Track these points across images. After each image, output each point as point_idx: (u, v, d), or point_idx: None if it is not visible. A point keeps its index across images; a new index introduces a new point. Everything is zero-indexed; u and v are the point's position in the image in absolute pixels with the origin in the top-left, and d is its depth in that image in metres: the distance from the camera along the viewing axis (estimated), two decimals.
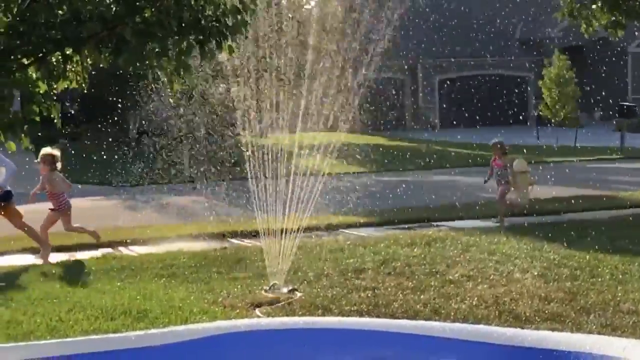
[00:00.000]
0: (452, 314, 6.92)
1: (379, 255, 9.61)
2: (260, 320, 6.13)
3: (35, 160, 10.90)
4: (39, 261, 10.36)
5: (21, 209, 11.04)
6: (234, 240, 11.37)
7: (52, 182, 10.76)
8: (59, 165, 10.84)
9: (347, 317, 6.44)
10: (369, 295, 7.68)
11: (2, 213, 10.80)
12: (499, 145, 13.03)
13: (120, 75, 24.15)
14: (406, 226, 12.64)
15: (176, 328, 5.54)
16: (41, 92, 6.42)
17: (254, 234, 10.01)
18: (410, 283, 8.10)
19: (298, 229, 8.50)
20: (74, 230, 11.18)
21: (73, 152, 24.88)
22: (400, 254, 9.63)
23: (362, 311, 7.09)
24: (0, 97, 5.46)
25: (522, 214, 13.35)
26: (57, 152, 10.80)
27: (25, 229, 10.83)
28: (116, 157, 23.50)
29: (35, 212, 11.15)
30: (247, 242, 10.99)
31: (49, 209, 11.00)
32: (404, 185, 17.47)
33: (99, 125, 28.01)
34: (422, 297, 7.53)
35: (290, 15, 9.20)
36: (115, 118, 29.54)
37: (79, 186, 20.10)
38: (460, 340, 5.04)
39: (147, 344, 4.75)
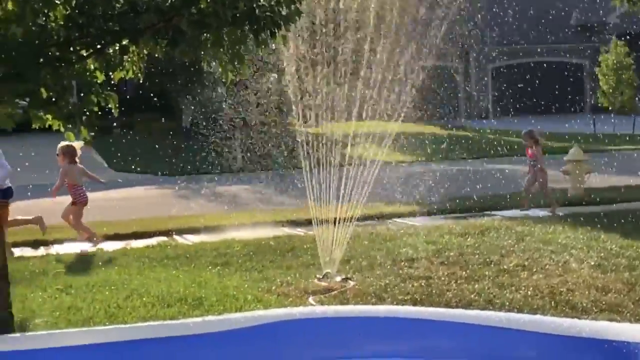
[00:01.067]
0: (507, 303, 6.86)
1: (432, 244, 9.57)
2: (315, 308, 6.16)
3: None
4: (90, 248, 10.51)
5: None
6: (287, 229, 11.43)
7: (70, 175, 10.86)
8: (78, 158, 10.96)
9: (402, 306, 6.43)
10: (423, 284, 7.66)
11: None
12: (529, 135, 12.82)
13: (173, 65, 24.40)
14: (459, 215, 12.56)
15: (232, 315, 5.62)
16: (99, 82, 6.50)
17: (307, 223, 10.06)
18: (464, 272, 8.06)
19: (351, 217, 8.51)
20: (74, 226, 11.07)
21: (126, 141, 25.27)
22: (453, 243, 9.58)
23: (415, 300, 7.08)
24: (61, 88, 5.56)
25: (578, 203, 13.18)
26: (76, 145, 10.83)
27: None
28: (169, 146, 23.83)
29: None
30: (300, 231, 11.04)
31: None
32: (456, 174, 17.37)
33: (152, 115, 28.37)
34: (476, 286, 7.49)
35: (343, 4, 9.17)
36: (168, 108, 29.91)
37: (125, 176, 20.47)
38: (516, 330, 4.99)
39: (204, 331, 4.82)
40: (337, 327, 5.12)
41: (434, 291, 7.37)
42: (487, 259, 8.61)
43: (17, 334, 5.80)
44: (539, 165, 12.67)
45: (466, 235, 10.10)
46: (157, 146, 23.66)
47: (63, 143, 10.83)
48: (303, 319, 5.09)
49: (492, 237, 9.97)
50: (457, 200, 13.85)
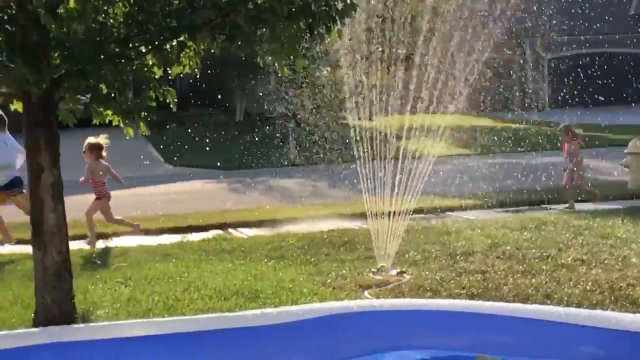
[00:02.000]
0: (565, 298, 6.77)
1: (488, 238, 9.49)
2: (372, 301, 6.17)
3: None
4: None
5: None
6: (342, 223, 11.44)
7: (95, 172, 10.92)
8: (104, 153, 10.98)
9: (459, 300, 6.40)
10: (479, 278, 7.60)
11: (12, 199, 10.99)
12: (565, 130, 12.58)
13: (227, 59, 24.56)
14: (515, 209, 12.43)
15: (290, 308, 5.66)
16: (156, 77, 6.60)
17: (361, 216, 10.06)
18: (520, 267, 7.98)
19: (405, 211, 8.50)
20: (115, 222, 11.19)
21: (181, 136, 25.56)
22: (509, 237, 9.49)
23: (471, 294, 7.04)
24: (121, 84, 5.66)
25: (639, 196, 12.93)
26: (103, 141, 10.94)
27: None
28: (223, 140, 24.02)
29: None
30: (354, 225, 11.05)
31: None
32: (511, 167, 17.17)
33: (207, 109, 28.62)
34: (533, 281, 7.41)
35: None
36: (222, 102, 30.13)
37: (184, 169, 20.71)
38: (575, 325, 4.93)
39: (262, 323, 4.88)
40: (394, 320, 5.13)
41: (490, 285, 7.32)
42: (544, 253, 8.51)
43: (81, 325, 5.94)
44: (575, 160, 12.47)
45: (522, 229, 10.00)
46: (211, 140, 23.85)
47: (89, 140, 10.96)
48: (360, 312, 5.12)
49: (549, 231, 9.84)
50: (513, 194, 13.69)
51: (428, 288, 7.32)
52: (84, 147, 10.97)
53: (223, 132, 25.46)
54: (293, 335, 4.89)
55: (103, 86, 5.99)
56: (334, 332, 4.90)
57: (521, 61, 41.41)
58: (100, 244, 10.67)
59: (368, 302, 6.35)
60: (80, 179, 10.94)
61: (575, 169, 12.50)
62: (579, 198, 12.66)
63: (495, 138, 22.69)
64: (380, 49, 8.73)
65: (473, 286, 7.30)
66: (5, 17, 5.01)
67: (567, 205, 12.36)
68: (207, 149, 21.99)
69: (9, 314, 6.80)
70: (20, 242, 10.67)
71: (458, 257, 8.58)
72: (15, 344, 4.56)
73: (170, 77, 6.94)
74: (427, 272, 7.94)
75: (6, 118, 10.68)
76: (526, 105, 39.70)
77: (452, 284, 7.43)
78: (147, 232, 11.33)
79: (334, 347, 4.90)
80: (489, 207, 12.70)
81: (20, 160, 10.84)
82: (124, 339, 4.73)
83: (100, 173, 10.95)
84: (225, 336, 4.78)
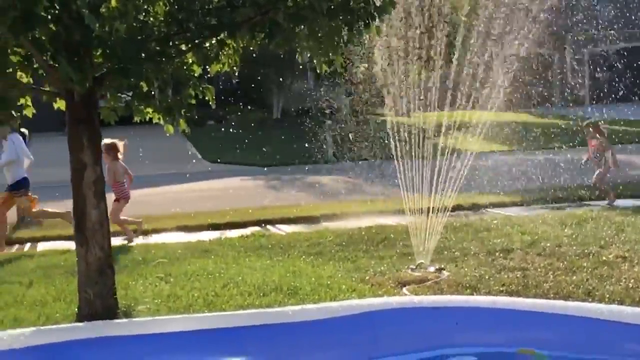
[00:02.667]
0: (607, 296, 6.70)
1: (528, 235, 9.42)
2: (413, 298, 6.16)
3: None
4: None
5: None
6: (379, 219, 11.43)
7: (115, 172, 11.02)
8: (121, 155, 11.11)
9: (500, 297, 6.35)
10: (518, 275, 7.55)
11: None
12: (592, 126, 12.39)
13: (265, 56, 24.64)
14: (555, 205, 12.30)
15: (330, 304, 5.68)
16: (196, 75, 6.66)
17: (400, 213, 10.04)
18: (561, 264, 7.91)
19: (444, 208, 8.47)
20: (119, 223, 11.10)
21: (219, 133, 25.72)
22: (549, 234, 9.40)
23: (511, 291, 6.99)
24: (162, 82, 5.73)
25: None
26: (120, 142, 11.09)
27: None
28: (261, 137, 24.10)
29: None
30: (392, 221, 11.03)
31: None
32: (550, 163, 16.99)
33: (244, 107, 28.74)
34: (574, 278, 7.34)
35: None
36: (260, 99, 30.24)
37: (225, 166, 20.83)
38: (617, 322, 4.88)
39: (302, 319, 4.90)
40: (434, 317, 5.12)
41: (530, 282, 7.26)
42: (585, 250, 8.42)
43: (125, 320, 6.02)
44: (606, 155, 12.31)
45: (563, 226, 9.90)
46: (249, 137, 23.96)
47: (106, 140, 10.90)
48: (400, 309, 5.11)
49: (590, 227, 9.74)
50: (552, 190, 13.56)
51: (467, 285, 7.28)
52: (102, 148, 11.03)
53: (261, 129, 25.56)
54: (333, 332, 4.90)
55: (144, 84, 6.07)
56: (373, 328, 4.91)
57: (561, 56, 40.92)
58: (139, 240, 10.80)
59: (408, 298, 6.35)
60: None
61: (601, 165, 12.37)
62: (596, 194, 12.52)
63: (535, 134, 22.47)
64: (418, 44, 8.69)
65: (513, 283, 7.25)
66: (50, 17, 5.09)
67: (607, 201, 12.21)
68: (245, 145, 22.10)
69: (53, 309, 6.91)
70: (61, 238, 10.86)
71: (497, 254, 8.52)
72: (61, 338, 4.64)
73: (209, 75, 7.00)
74: (465, 269, 7.90)
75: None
76: (566, 100, 39.21)
77: (492, 281, 7.38)
78: (186, 228, 11.44)
79: (373, 343, 4.91)
80: (528, 204, 12.59)
81: (26, 163, 11.00)
82: (166, 334, 4.79)
83: (120, 173, 11.12)
84: (266, 332, 4.81)
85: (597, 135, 12.40)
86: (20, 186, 11.00)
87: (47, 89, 6.37)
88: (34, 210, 11.27)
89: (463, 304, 5.28)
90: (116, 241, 10.21)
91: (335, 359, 4.92)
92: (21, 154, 11.10)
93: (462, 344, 5.08)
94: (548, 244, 8.82)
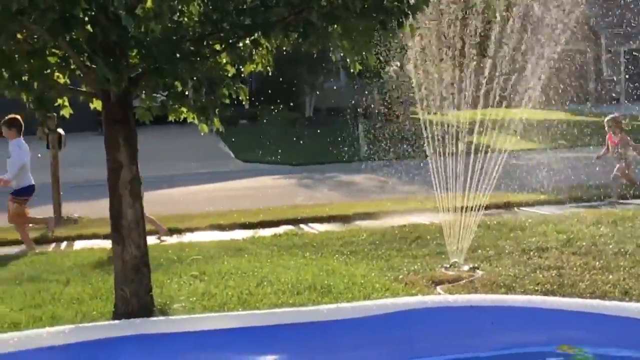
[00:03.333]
0: None
1: (563, 233, 9.32)
2: (447, 297, 6.14)
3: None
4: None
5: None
6: (412, 218, 11.40)
7: None
8: None
9: (535, 296, 6.31)
10: (554, 274, 7.48)
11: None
12: (614, 121, 12.22)
13: (297, 55, 24.70)
14: (590, 204, 12.18)
15: (365, 303, 5.68)
16: (229, 75, 6.70)
17: (433, 212, 10.01)
18: (597, 263, 7.82)
19: (477, 206, 8.42)
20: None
21: (251, 132, 25.84)
22: (585, 233, 9.30)
23: (546, 291, 6.93)
24: (197, 81, 5.77)
25: None
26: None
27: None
28: (293, 136, 24.17)
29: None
30: (425, 220, 10.99)
31: None
32: (585, 162, 16.81)
33: (277, 106, 28.84)
34: (610, 277, 7.25)
35: None
36: (292, 98, 30.30)
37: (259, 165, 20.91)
38: None
39: (338, 318, 4.91)
40: (469, 315, 5.10)
41: (565, 282, 7.19)
42: (622, 249, 8.31)
43: (162, 317, 6.08)
44: (620, 152, 12.17)
45: (598, 225, 9.78)
46: (281, 136, 24.05)
47: None
48: (435, 308, 5.11)
49: (627, 226, 9.61)
50: (587, 189, 13.43)
51: (501, 284, 7.23)
52: None
53: (293, 128, 25.63)
54: (367, 330, 4.91)
55: (178, 84, 6.12)
56: (408, 327, 4.91)
57: (597, 53, 40.44)
58: (173, 239, 10.89)
59: (443, 297, 6.33)
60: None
61: (623, 160, 12.26)
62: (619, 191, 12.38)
63: (570, 131, 22.26)
64: (452, 41, 8.66)
65: (548, 282, 7.19)
66: (87, 19, 5.15)
67: (612, 198, 12.10)
68: (277, 144, 22.17)
69: (89, 307, 6.99)
70: (97, 237, 10.99)
71: (532, 252, 8.45)
72: (100, 335, 4.70)
73: (242, 75, 7.04)
74: (500, 268, 7.85)
75: (22, 123, 10.65)
76: (602, 97, 38.74)
77: (526, 280, 7.33)
78: (219, 227, 11.52)
79: (408, 342, 4.90)
80: (563, 202, 12.48)
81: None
82: (202, 332, 4.83)
83: None
84: (301, 330, 4.83)
85: (619, 130, 12.27)
86: (24, 193, 10.79)
87: (84, 89, 6.45)
88: (18, 217, 10.94)
89: (499, 303, 5.25)
90: (153, 240, 10.32)
91: (370, 358, 4.92)
92: (28, 159, 10.82)
93: (498, 343, 5.06)
94: (584, 243, 8.73)
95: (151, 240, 10.57)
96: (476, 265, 7.99)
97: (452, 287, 7.28)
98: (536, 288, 7.03)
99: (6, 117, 10.73)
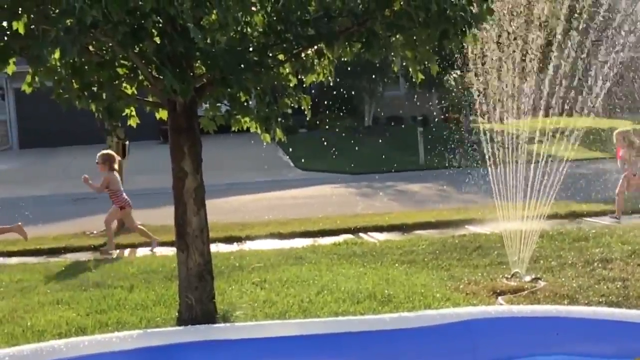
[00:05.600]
0: None
1: (628, 245, 9.16)
2: (512, 308, 6.08)
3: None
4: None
5: None
6: (473, 228, 11.32)
7: (113, 182, 11.21)
8: (116, 165, 11.36)
9: (601, 308, 6.21)
10: (619, 286, 7.35)
11: None
12: (620, 136, 11.74)
13: (356, 64, 24.77)
14: None
15: (429, 312, 5.67)
16: (291, 85, 6.78)
17: (493, 221, 9.93)
18: None
19: (539, 216, 8.33)
20: (136, 230, 11.42)
21: (310, 141, 25.95)
22: None
23: (611, 302, 6.82)
24: (261, 91, 5.85)
25: None
26: (113, 153, 11.43)
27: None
28: (352, 144, 24.21)
29: None
30: (485, 230, 10.91)
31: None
32: None
33: (336, 114, 28.93)
34: None
35: None
36: (351, 106, 30.36)
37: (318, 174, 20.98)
38: None
39: (401, 326, 4.91)
40: (533, 326, 5.05)
41: (631, 293, 7.07)
42: None
43: (227, 324, 6.17)
44: (626, 166, 11.79)
45: None
46: (340, 144, 24.09)
47: (102, 152, 11.37)
48: (499, 318, 5.07)
49: None
50: None
51: (564, 295, 7.14)
52: (97, 159, 11.35)
53: (352, 137, 25.65)
54: (431, 340, 4.90)
55: (242, 94, 6.21)
56: (472, 337, 4.88)
57: None
58: (235, 247, 11.00)
59: (506, 307, 6.27)
60: (96, 186, 11.32)
61: (626, 175, 11.89)
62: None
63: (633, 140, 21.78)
64: (513, 50, 8.60)
65: (613, 294, 7.07)
66: (155, 31, 5.28)
67: (614, 215, 11.72)
68: (337, 153, 22.23)
69: (153, 313, 7.12)
70: (159, 244, 11.19)
71: (595, 263, 8.33)
72: (168, 340, 4.79)
73: (304, 85, 7.11)
74: (562, 279, 7.75)
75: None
76: None
77: (590, 291, 7.21)
78: (279, 235, 11.61)
79: (471, 352, 4.88)
80: (628, 213, 12.24)
81: None
82: (266, 339, 4.88)
83: (118, 183, 11.33)
84: (364, 338, 4.85)
85: (625, 146, 11.80)
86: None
87: (150, 99, 6.60)
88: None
89: (563, 314, 5.19)
90: (215, 247, 10.45)
91: None
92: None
93: (563, 354, 5.00)
94: None
95: (144, 251, 10.75)
96: (538, 275, 7.90)
97: (513, 298, 7.21)
98: (600, 300, 6.92)
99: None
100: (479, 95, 9.23)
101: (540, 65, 8.75)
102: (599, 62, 9.04)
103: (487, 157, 8.75)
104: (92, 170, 11.59)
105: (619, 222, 11.51)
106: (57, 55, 5.62)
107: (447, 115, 27.04)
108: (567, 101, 8.99)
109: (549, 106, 8.89)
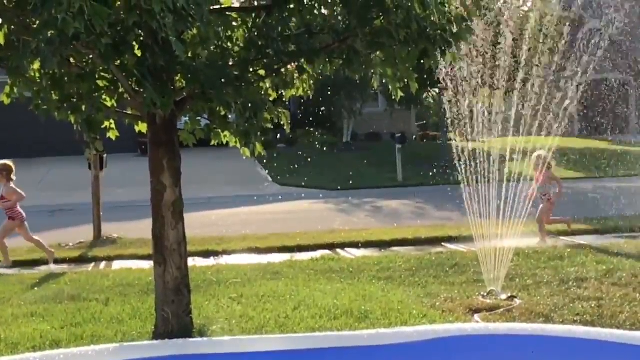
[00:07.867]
0: None
1: (602, 264, 9.24)
2: (488, 325, 6.12)
3: None
4: None
5: None
6: (449, 245, 11.38)
7: (8, 193, 11.05)
8: (14, 176, 11.12)
9: (576, 327, 6.26)
10: (593, 305, 7.41)
11: None
12: (537, 160, 11.50)
13: (335, 80, 24.87)
14: (630, 235, 12.04)
15: (405, 329, 5.69)
16: (271, 99, 6.80)
17: (469, 239, 9.99)
18: (638, 294, 7.73)
19: (514, 234, 8.39)
20: (33, 242, 11.27)
21: (289, 156, 25.97)
22: (625, 264, 9.20)
23: (586, 321, 6.87)
24: (242, 106, 5.86)
25: None
26: (11, 163, 11.14)
27: None
28: (330, 160, 24.27)
29: None
30: (461, 247, 10.97)
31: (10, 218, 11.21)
32: (624, 192, 16.64)
33: (314, 130, 29.00)
34: None
35: (504, 18, 9.08)
36: (330, 123, 30.45)
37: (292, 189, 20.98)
38: None
39: (377, 343, 4.93)
40: (510, 344, 5.08)
41: (605, 312, 7.12)
42: None
43: (202, 339, 6.14)
44: (552, 191, 11.79)
45: (639, 255, 9.68)
46: (318, 160, 24.12)
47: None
48: (475, 335, 5.10)
49: None
50: (626, 219, 13.27)
51: (540, 313, 7.17)
52: None
53: (331, 153, 25.70)
54: (407, 357, 4.91)
55: (221, 108, 6.22)
56: (448, 354, 4.90)
57: (638, 82, 39.99)
58: (210, 261, 10.95)
59: (483, 325, 6.30)
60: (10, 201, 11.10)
61: (547, 199, 11.90)
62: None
63: (607, 161, 22.07)
64: (484, 70, 8.69)
65: (587, 313, 7.12)
66: (136, 44, 5.28)
67: (539, 240, 11.65)
68: (315, 169, 22.25)
69: (129, 326, 7.07)
70: (135, 257, 11.13)
71: (571, 282, 8.38)
72: (144, 354, 4.77)
73: (284, 99, 7.14)
74: (538, 298, 7.80)
75: None
76: None
77: (565, 310, 7.26)
78: (257, 250, 11.59)
79: None
80: (602, 232, 12.37)
81: None
82: (242, 354, 4.87)
83: (13, 194, 11.11)
84: (341, 354, 4.85)
85: (542, 170, 11.58)
86: None
87: (130, 112, 6.59)
88: None
89: (539, 332, 5.23)
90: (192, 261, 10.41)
91: None
92: None
93: None
94: (624, 274, 8.64)
95: (121, 264, 10.69)
96: (514, 293, 7.95)
97: (489, 316, 7.24)
98: (575, 318, 6.97)
99: None
100: (453, 114, 9.30)
101: (511, 84, 8.85)
102: (570, 82, 9.15)
103: (462, 175, 8.81)
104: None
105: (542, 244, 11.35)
106: (36, 66, 5.60)
107: (425, 132, 27.21)
108: (539, 120, 9.07)
109: (523, 125, 8.98)
